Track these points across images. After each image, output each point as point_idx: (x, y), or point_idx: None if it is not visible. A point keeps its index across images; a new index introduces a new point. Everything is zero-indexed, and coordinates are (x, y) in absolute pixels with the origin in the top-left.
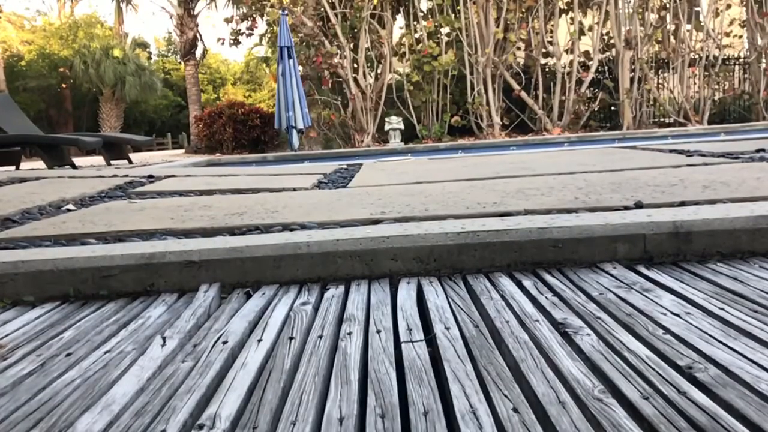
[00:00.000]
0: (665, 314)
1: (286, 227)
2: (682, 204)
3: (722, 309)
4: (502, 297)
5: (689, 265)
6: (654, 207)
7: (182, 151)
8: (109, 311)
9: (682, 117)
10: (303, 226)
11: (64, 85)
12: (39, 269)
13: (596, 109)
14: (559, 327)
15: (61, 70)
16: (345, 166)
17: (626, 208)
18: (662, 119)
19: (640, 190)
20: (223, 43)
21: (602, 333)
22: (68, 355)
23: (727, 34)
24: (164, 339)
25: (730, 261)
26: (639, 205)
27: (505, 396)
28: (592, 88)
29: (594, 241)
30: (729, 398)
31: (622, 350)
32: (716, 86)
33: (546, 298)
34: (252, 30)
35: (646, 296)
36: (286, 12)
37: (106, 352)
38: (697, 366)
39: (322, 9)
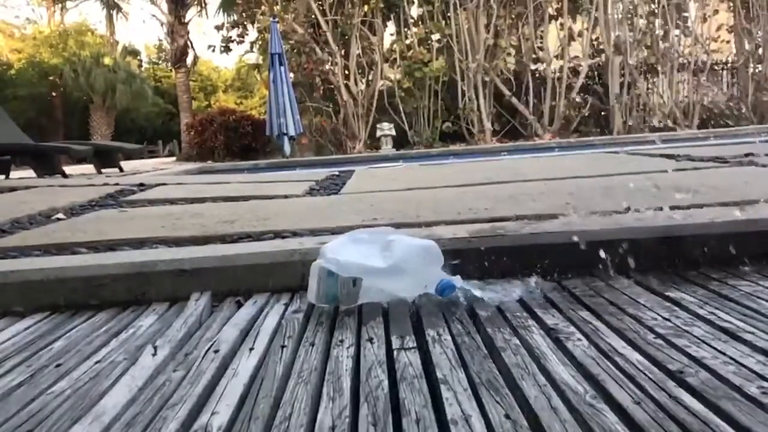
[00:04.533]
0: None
1: (278, 235)
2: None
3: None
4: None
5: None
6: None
7: (174, 159)
8: (100, 321)
9: (672, 121)
10: (294, 234)
11: (54, 94)
12: (29, 279)
13: (587, 114)
14: (550, 332)
15: (51, 78)
16: (337, 173)
17: (617, 212)
18: (652, 124)
19: (631, 196)
20: (213, 51)
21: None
22: (58, 365)
23: (715, 39)
24: (155, 348)
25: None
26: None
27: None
28: (582, 94)
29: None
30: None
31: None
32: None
33: (537, 303)
34: (243, 37)
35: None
36: (276, 19)
37: (96, 363)
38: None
39: (313, 16)
